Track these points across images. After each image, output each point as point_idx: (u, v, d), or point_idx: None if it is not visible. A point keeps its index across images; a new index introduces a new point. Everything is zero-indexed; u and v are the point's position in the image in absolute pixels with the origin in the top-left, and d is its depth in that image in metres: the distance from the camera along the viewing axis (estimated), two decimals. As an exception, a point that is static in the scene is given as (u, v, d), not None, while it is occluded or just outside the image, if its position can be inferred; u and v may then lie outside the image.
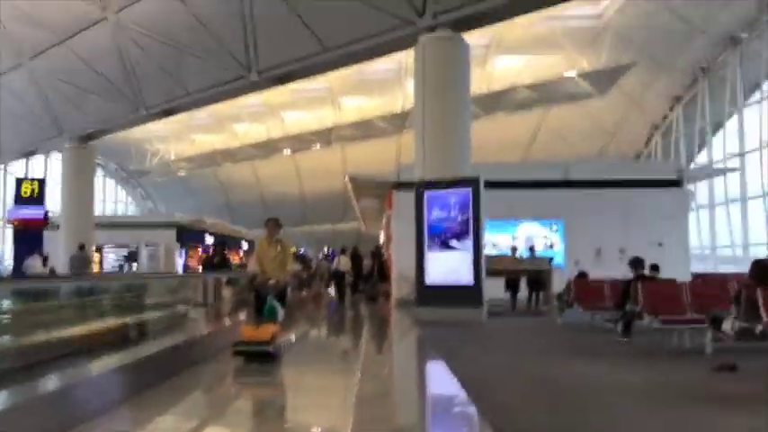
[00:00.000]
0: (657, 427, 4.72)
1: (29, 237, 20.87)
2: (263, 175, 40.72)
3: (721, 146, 25.86)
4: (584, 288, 11.83)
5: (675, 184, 18.91)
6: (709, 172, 24.52)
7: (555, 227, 18.89)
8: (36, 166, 32.14)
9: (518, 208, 17.99)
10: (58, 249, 21.32)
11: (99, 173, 38.59)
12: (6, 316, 5.66)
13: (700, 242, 25.77)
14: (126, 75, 20.19)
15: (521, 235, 18.75)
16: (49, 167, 32.77)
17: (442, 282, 12.69)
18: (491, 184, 13.36)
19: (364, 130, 32.82)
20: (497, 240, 18.18)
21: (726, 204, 24.46)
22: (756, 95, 23.64)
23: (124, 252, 27.38)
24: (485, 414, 4.36)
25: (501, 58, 27.28)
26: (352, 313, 15.95)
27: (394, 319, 14.52)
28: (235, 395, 5.95)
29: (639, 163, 29.18)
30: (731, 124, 25.03)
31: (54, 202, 25.01)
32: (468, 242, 12.46)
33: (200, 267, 18.82)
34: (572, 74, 26.20)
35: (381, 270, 19.11)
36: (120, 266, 26.70)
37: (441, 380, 6.42)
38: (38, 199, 22.05)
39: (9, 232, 25.85)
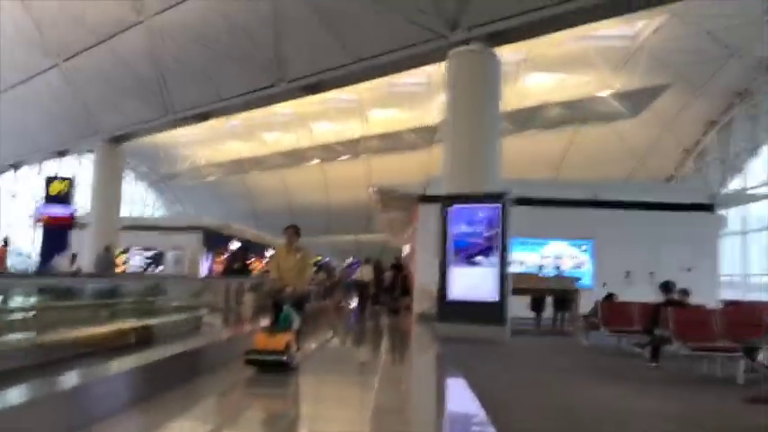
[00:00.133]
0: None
1: (56, 235, 21.10)
2: (290, 184, 40.84)
3: (754, 172, 25.31)
4: (611, 310, 11.55)
5: (708, 208, 18.51)
6: (742, 197, 24.01)
7: (584, 247, 18.58)
8: (67, 168, 32.55)
9: (547, 226, 17.73)
10: (84, 249, 21.52)
11: (130, 175, 39.11)
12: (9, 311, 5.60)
13: (730, 269, 25.18)
14: (159, 79, 20.41)
15: (548, 253, 18.46)
16: (80, 169, 33.19)
17: (464, 297, 12.46)
18: (520, 201, 13.17)
19: (392, 142, 32.74)
20: (524, 258, 17.91)
21: (759, 231, 23.90)
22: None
23: (150, 254, 27.53)
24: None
25: (533, 76, 27.04)
26: (372, 325, 15.83)
27: (414, 333, 14.35)
28: (244, 406, 5.77)
29: (671, 186, 28.68)
30: (766, 150, 24.50)
31: (84, 202, 25.32)
32: (494, 258, 12.25)
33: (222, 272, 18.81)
34: (604, 94, 25.89)
35: (404, 283, 18.99)
36: (145, 269, 26.86)
37: (458, 398, 6.25)
38: (66, 198, 22.32)
39: (39, 231, 26.22)
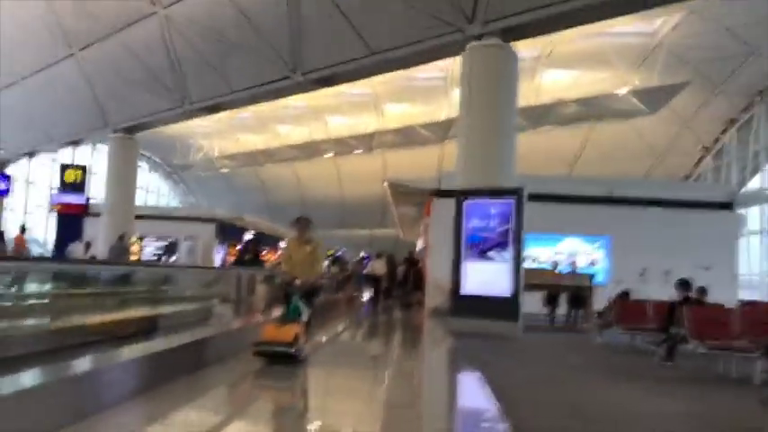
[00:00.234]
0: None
1: (70, 223, 21.22)
2: (303, 177, 40.86)
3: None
4: (626, 307, 11.44)
5: (726, 207, 18.27)
6: (761, 197, 23.69)
7: (599, 244, 18.41)
8: (82, 157, 32.74)
9: (562, 223, 17.59)
10: (99, 237, 21.65)
11: (144, 166, 39.29)
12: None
13: (748, 269, 24.88)
14: (172, 70, 20.43)
15: (563, 250, 18.31)
16: (96, 158, 33.38)
17: (478, 292, 12.38)
18: (534, 197, 13.04)
19: (406, 137, 32.61)
20: (538, 254, 17.78)
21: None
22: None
23: (163, 244, 27.62)
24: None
25: (550, 72, 26.81)
26: (384, 318, 15.80)
27: (426, 327, 14.29)
28: (251, 397, 5.67)
29: (690, 184, 28.37)
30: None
31: (99, 191, 25.46)
32: (508, 254, 12.15)
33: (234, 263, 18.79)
34: (623, 91, 25.62)
35: (417, 278, 18.93)
36: (159, 258, 26.95)
37: (470, 393, 6.19)
38: (80, 186, 22.43)
39: (53, 219, 26.38)
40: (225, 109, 23.06)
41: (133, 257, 23.47)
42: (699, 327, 8.11)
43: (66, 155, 30.96)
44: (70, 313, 6.03)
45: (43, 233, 29.28)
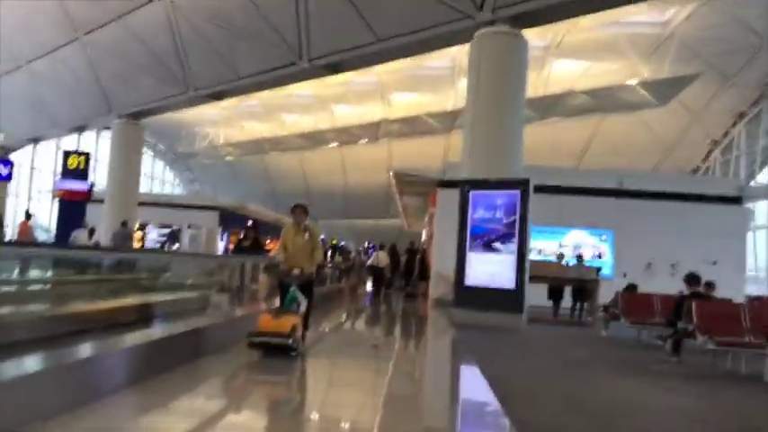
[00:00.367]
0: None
1: (72, 209, 21.12)
2: (308, 167, 40.73)
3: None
4: (632, 301, 11.26)
5: (735, 201, 18.04)
6: (771, 191, 23.47)
7: (605, 237, 18.22)
8: (88, 143, 32.69)
9: (567, 215, 17.42)
10: (101, 224, 21.55)
11: (149, 153, 39.23)
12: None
13: (754, 264, 24.64)
14: (177, 55, 20.25)
15: (568, 242, 18.13)
16: (101, 145, 33.32)
17: (482, 284, 12.23)
18: (540, 189, 12.85)
19: (412, 126, 32.42)
20: (543, 246, 17.60)
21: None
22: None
23: (166, 231, 27.55)
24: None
25: (559, 62, 26.53)
26: (387, 309, 15.68)
27: (430, 318, 14.17)
28: (248, 389, 5.53)
29: (698, 177, 28.11)
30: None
31: (104, 178, 25.41)
32: (513, 245, 11.98)
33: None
34: (632, 82, 25.33)
35: (423, 268, 18.83)
36: (162, 246, 26.88)
37: (472, 387, 6.04)
38: (83, 172, 22.30)
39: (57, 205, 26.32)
40: (230, 96, 22.87)
41: (136, 244, 23.41)
42: (707, 322, 7.93)
43: (72, 142, 30.92)
44: (68, 300, 5.92)
45: (48, 219, 29.27)
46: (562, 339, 11.52)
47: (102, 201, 23.12)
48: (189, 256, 13.89)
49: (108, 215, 22.17)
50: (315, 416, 4.68)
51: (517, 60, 14.66)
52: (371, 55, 17.29)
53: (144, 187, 32.08)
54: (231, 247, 27.66)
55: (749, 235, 22.03)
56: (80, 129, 28.53)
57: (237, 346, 6.17)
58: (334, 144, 37.03)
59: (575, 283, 14.60)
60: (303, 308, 6.63)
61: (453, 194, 13.41)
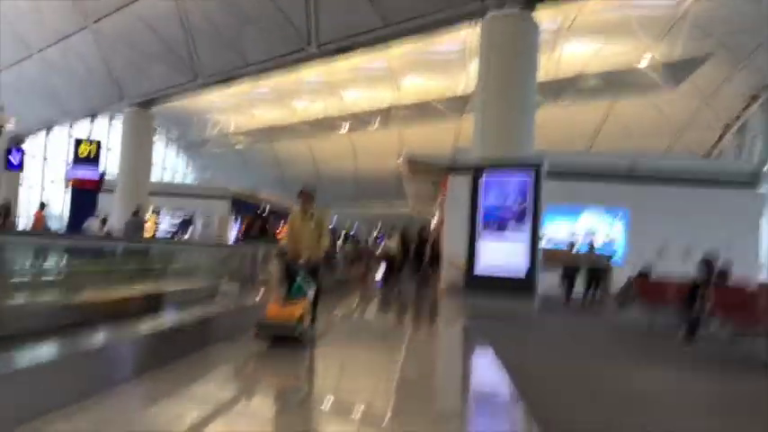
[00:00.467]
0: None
1: (84, 197, 21.15)
2: (319, 153, 40.65)
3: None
4: (646, 287, 11.15)
5: (750, 185, 17.81)
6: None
7: (620, 215, 18.01)
8: (99, 133, 32.71)
9: (579, 199, 17.27)
10: (113, 212, 21.62)
11: (161, 141, 39.26)
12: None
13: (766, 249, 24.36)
14: (186, 42, 20.19)
15: (580, 229, 17.98)
16: (112, 133, 33.38)
17: (493, 271, 12.15)
18: (552, 174, 12.71)
19: (423, 111, 32.23)
20: (554, 233, 17.47)
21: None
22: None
23: (178, 220, 27.58)
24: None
25: (570, 44, 26.21)
26: (398, 296, 15.64)
27: (440, 305, 14.12)
28: (258, 376, 5.48)
29: (711, 160, 27.78)
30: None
31: (116, 167, 25.49)
32: (525, 231, 11.89)
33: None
34: (644, 64, 25.02)
35: (434, 255, 18.74)
36: (173, 235, 26.92)
37: (485, 375, 6.01)
38: (95, 160, 22.29)
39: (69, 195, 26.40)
40: (239, 81, 22.80)
41: (148, 233, 23.47)
42: (723, 307, 7.83)
43: (84, 131, 30.96)
44: (76, 290, 5.90)
45: (61, 208, 29.41)
46: (574, 326, 11.46)
47: (112, 189, 23.19)
48: (200, 246, 13.86)
49: (119, 204, 22.24)
50: (328, 402, 4.67)
51: (528, 43, 14.50)
52: (380, 39, 17.18)
53: (155, 176, 32.11)
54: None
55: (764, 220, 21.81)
56: (91, 117, 28.59)
57: (247, 334, 6.14)
58: (345, 130, 36.92)
59: (587, 269, 14.50)
60: (311, 295, 6.52)
61: (464, 180, 13.30)
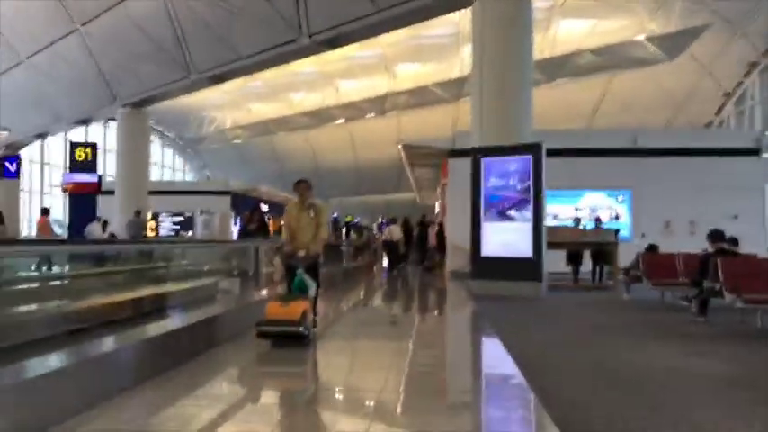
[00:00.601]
0: (743, 426, 4.03)
1: (83, 202, 21.03)
2: (317, 145, 40.50)
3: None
4: (654, 262, 10.98)
5: (753, 153, 17.63)
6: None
7: (621, 197, 17.90)
8: (95, 136, 32.54)
9: (582, 178, 17.12)
10: (113, 215, 21.50)
11: (157, 141, 39.11)
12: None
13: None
14: (177, 40, 19.97)
15: (584, 206, 17.84)
16: (108, 136, 33.22)
17: (498, 253, 12.04)
18: (553, 153, 12.54)
19: (419, 97, 32.07)
20: (559, 211, 17.33)
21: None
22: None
23: (179, 219, 27.45)
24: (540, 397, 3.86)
25: (565, 22, 25.96)
26: (403, 283, 15.54)
27: (447, 290, 14.01)
28: (265, 377, 5.32)
29: (713, 130, 27.54)
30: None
31: (114, 169, 25.35)
32: (528, 212, 11.76)
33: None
34: (640, 37, 24.75)
35: (441, 240, 18.71)
36: (176, 233, 26.80)
37: (494, 358, 5.89)
38: (91, 164, 22.11)
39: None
40: (232, 77, 22.57)
41: (150, 234, 23.38)
42: (734, 279, 7.67)
43: (79, 135, 30.79)
44: (78, 295, 5.78)
45: (62, 214, 29.31)
46: (584, 305, 11.31)
47: (111, 192, 23.05)
48: (201, 244, 13.73)
49: (120, 206, 22.10)
50: (337, 397, 4.58)
51: (522, 22, 14.23)
52: (372, 26, 16.89)
53: (154, 176, 31.98)
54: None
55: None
56: (85, 121, 28.36)
57: (251, 332, 5.98)
58: (341, 120, 36.74)
59: (593, 246, 14.35)
60: (312, 292, 6.27)
61: (465, 164, 13.18)
